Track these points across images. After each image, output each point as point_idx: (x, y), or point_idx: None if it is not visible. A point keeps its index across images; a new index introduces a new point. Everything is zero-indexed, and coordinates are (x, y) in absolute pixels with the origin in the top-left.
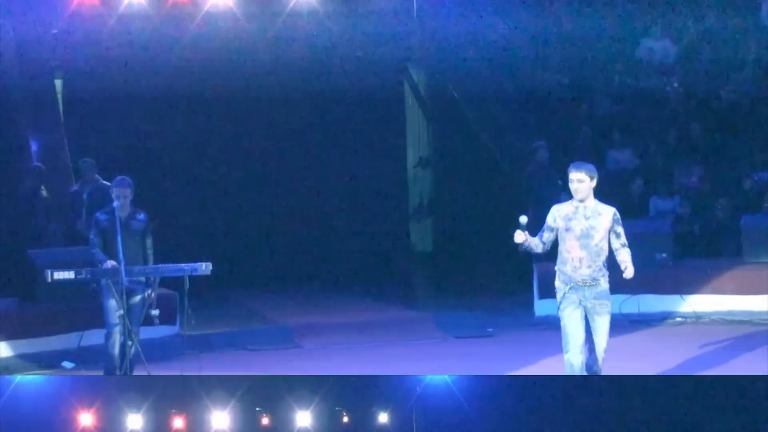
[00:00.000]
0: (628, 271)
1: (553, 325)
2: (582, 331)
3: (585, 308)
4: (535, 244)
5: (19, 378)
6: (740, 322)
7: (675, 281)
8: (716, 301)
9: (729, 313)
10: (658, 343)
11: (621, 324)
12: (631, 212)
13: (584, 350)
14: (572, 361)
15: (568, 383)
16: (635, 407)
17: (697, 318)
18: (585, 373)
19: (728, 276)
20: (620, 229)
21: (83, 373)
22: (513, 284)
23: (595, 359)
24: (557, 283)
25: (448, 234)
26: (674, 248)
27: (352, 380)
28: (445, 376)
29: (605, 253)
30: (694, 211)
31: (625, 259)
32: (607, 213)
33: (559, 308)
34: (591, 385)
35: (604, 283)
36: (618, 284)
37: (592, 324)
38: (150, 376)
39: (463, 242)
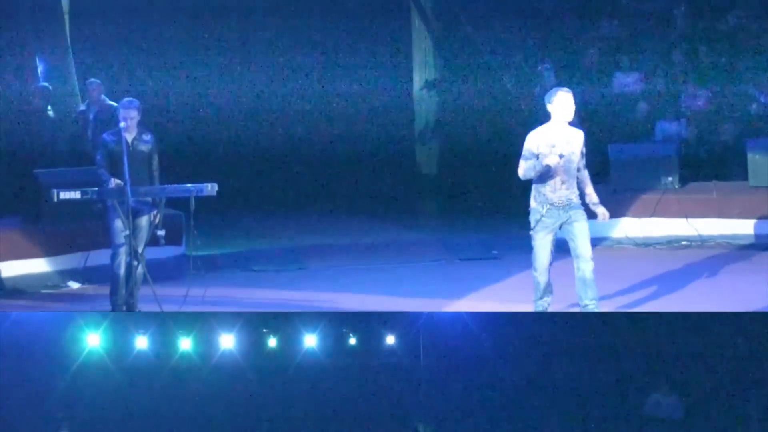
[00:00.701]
0: (603, 216)
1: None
2: (550, 254)
3: (561, 225)
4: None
5: (16, 314)
6: (745, 245)
7: (680, 205)
8: (721, 224)
9: (734, 236)
10: (662, 268)
11: (626, 248)
12: (637, 136)
13: (550, 270)
14: (539, 279)
15: (574, 319)
16: (640, 342)
17: (703, 242)
18: (551, 290)
19: (733, 200)
20: (584, 150)
21: (89, 291)
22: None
23: (585, 276)
24: (533, 203)
25: (454, 157)
26: (680, 172)
27: (360, 307)
28: (452, 312)
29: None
30: (700, 135)
31: (590, 193)
32: (580, 135)
33: (532, 229)
34: (597, 320)
35: (576, 200)
36: (623, 208)
37: (571, 233)
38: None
39: (468, 165)
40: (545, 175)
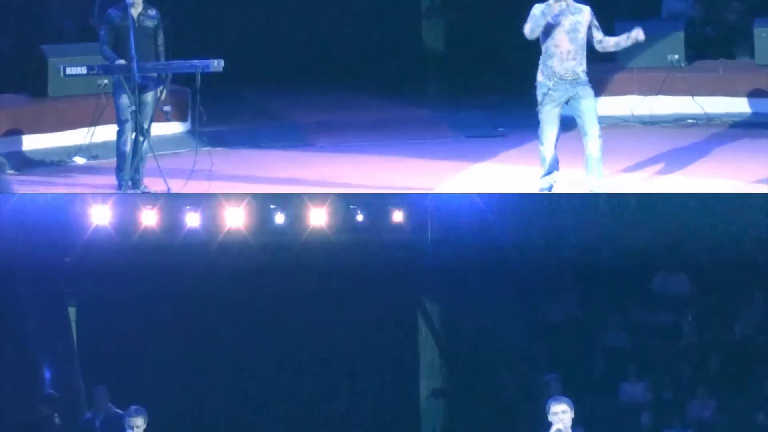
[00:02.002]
0: (637, 33)
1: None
2: (557, 129)
3: (568, 100)
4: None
5: (18, 195)
6: (752, 124)
7: (687, 83)
8: (727, 103)
9: (740, 114)
10: (669, 146)
11: (632, 126)
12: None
13: (557, 145)
14: (545, 153)
15: (581, 200)
16: (646, 222)
17: (709, 120)
18: (557, 166)
19: (740, 78)
20: (597, 23)
21: (95, 164)
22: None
23: (592, 153)
24: (540, 77)
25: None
26: (686, 50)
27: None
28: (460, 193)
29: (585, 49)
30: (707, 13)
31: (622, 37)
32: (586, 9)
33: (540, 103)
34: (600, 201)
35: (584, 75)
36: (629, 86)
37: (579, 110)
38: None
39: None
40: (549, 48)
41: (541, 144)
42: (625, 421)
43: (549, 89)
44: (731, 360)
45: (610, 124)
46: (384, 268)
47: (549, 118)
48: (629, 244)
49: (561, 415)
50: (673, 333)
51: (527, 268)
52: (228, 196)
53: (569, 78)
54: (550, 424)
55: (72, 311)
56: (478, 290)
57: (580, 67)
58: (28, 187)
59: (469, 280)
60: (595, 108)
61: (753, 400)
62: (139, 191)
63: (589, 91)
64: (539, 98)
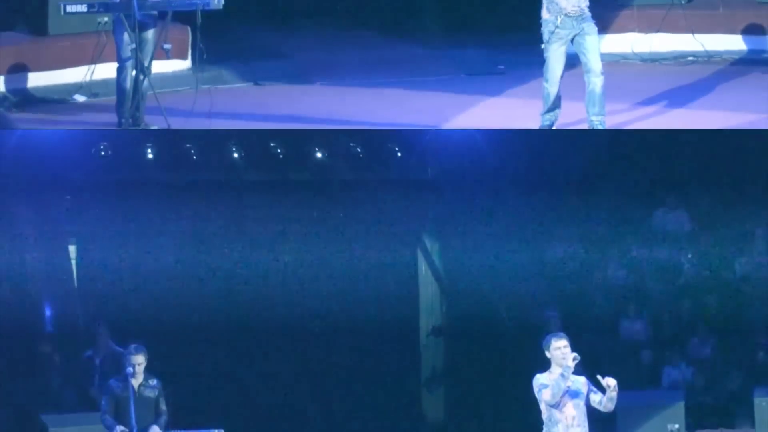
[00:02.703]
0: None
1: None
2: (562, 66)
3: (574, 37)
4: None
5: (21, 131)
6: (752, 60)
7: (687, 21)
8: (728, 40)
9: (740, 51)
10: (669, 84)
11: (632, 63)
12: None
13: (560, 82)
14: (550, 90)
15: (582, 136)
16: (646, 158)
17: (709, 57)
18: (559, 103)
19: (740, 14)
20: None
21: (95, 102)
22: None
23: (595, 89)
24: (546, 14)
25: None
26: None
27: (367, 123)
28: (460, 129)
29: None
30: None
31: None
32: (581, 381)
33: (546, 42)
34: (603, 137)
35: (588, 12)
36: (629, 22)
37: (583, 46)
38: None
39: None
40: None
41: (546, 81)
42: (624, 359)
43: (556, 27)
44: (731, 298)
45: (610, 62)
46: (383, 206)
47: (556, 56)
48: (629, 181)
49: (563, 350)
50: (672, 270)
51: (527, 206)
52: (228, 132)
53: (575, 14)
54: (548, 361)
55: (72, 249)
56: (478, 228)
57: (585, 2)
58: (29, 124)
59: (468, 218)
60: (598, 45)
61: (753, 337)
62: (139, 128)
63: (593, 27)
64: (546, 36)
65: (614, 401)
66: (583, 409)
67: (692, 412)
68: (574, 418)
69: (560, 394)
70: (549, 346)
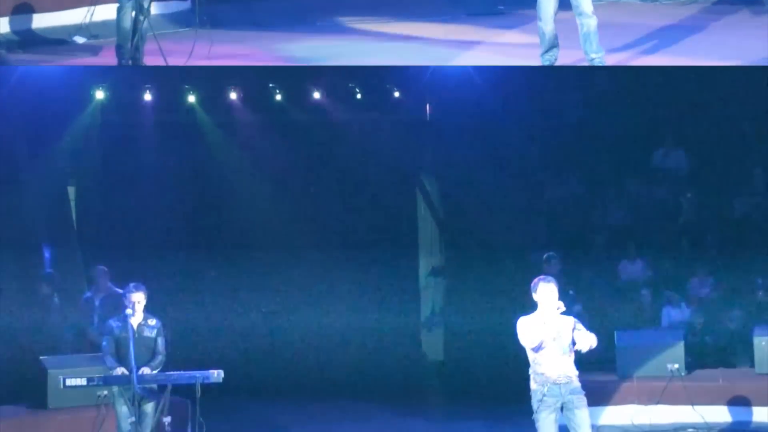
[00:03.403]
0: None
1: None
2: (554, 8)
3: (562, 406)
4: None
5: (23, 68)
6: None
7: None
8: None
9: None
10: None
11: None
12: None
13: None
14: (545, 29)
15: (577, 72)
16: (646, 97)
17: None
18: (557, 42)
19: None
20: (580, 326)
21: None
22: None
23: (588, 32)
24: (533, 385)
25: None
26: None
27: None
28: (459, 66)
29: (573, 354)
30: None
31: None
32: (569, 322)
33: (535, 410)
34: (602, 74)
35: (577, 381)
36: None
37: (573, 421)
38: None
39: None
40: (536, 359)
41: (540, 20)
42: (624, 299)
43: (544, 395)
44: (730, 237)
45: None
46: (383, 146)
47: (546, 424)
48: (629, 121)
49: (550, 295)
50: (672, 210)
51: (526, 145)
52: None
53: (562, 382)
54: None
55: (71, 190)
56: (477, 167)
57: (572, 370)
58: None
59: (467, 158)
60: (589, 419)
61: (751, 276)
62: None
63: (582, 400)
64: (535, 406)
65: (592, 337)
66: (568, 350)
67: (692, 352)
68: (556, 360)
69: (538, 341)
70: (536, 289)
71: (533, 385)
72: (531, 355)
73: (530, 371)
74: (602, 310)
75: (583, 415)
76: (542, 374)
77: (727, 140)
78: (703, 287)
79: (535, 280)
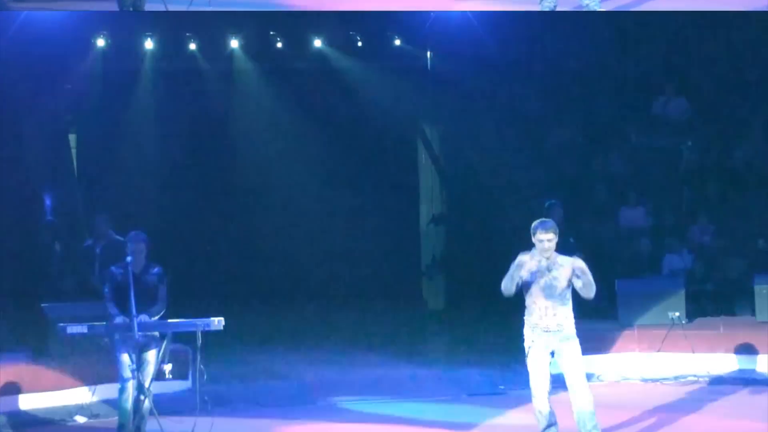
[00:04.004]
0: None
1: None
2: (547, 379)
3: (554, 354)
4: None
5: (25, 14)
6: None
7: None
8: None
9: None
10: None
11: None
12: None
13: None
14: (542, 410)
15: (578, 17)
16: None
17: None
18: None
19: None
20: (584, 267)
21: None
22: None
23: (582, 410)
24: (525, 330)
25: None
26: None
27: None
28: (459, 11)
29: (569, 300)
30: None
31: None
32: (568, 263)
33: (526, 353)
34: (601, 19)
35: (569, 329)
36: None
37: (565, 365)
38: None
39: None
40: (529, 305)
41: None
42: (625, 247)
43: (533, 340)
44: (731, 185)
45: (611, 381)
46: (384, 94)
47: (538, 366)
48: (630, 69)
49: (546, 243)
50: (673, 158)
51: (527, 92)
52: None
53: (553, 329)
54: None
55: (72, 138)
56: (478, 115)
57: (565, 318)
58: None
59: (468, 105)
60: (581, 361)
61: (752, 225)
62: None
63: (574, 345)
64: (526, 349)
65: (590, 288)
66: (563, 297)
67: (693, 300)
68: (547, 308)
69: (510, 289)
70: (535, 234)
71: (525, 330)
72: (526, 301)
73: (525, 316)
74: (603, 258)
75: (573, 361)
76: (533, 322)
77: (728, 87)
78: (704, 235)
79: (536, 223)
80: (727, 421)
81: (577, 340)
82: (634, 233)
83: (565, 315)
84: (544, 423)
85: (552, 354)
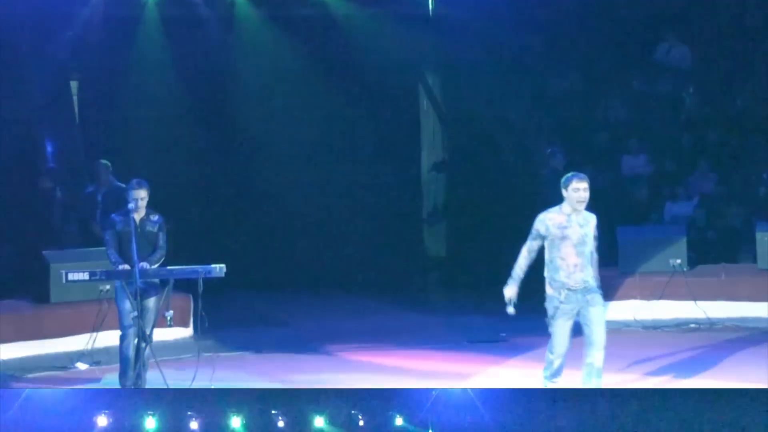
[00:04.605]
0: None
1: None
2: (569, 340)
3: (579, 310)
4: (523, 270)
5: (28, 390)
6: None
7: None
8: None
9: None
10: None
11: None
12: None
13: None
14: (555, 364)
15: (581, 395)
16: (646, 419)
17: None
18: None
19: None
20: (596, 234)
21: (97, 372)
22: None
23: (593, 365)
24: (549, 290)
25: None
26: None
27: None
28: (460, 388)
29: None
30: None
31: (596, 276)
32: (592, 218)
33: (550, 316)
34: (603, 397)
35: (593, 282)
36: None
37: (587, 317)
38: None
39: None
40: (555, 261)
41: (551, 352)
42: (626, 194)
43: (560, 302)
44: (732, 131)
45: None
46: (385, 40)
47: (561, 331)
48: (631, 15)
49: (582, 192)
50: (674, 105)
51: (528, 38)
52: (230, 402)
53: (579, 288)
54: (559, 198)
55: (74, 85)
56: (479, 62)
57: (590, 275)
58: None
59: (469, 52)
60: (604, 317)
61: (754, 171)
62: None
63: (598, 298)
64: (551, 311)
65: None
66: (588, 253)
67: (694, 247)
68: (576, 265)
69: (530, 258)
70: (569, 184)
71: (549, 290)
72: (548, 256)
73: (546, 273)
74: (604, 205)
75: (596, 312)
76: (559, 280)
77: (729, 35)
78: (705, 182)
79: (569, 174)
80: (727, 367)
81: (601, 294)
82: (636, 181)
83: (590, 274)
84: (552, 372)
85: (576, 314)
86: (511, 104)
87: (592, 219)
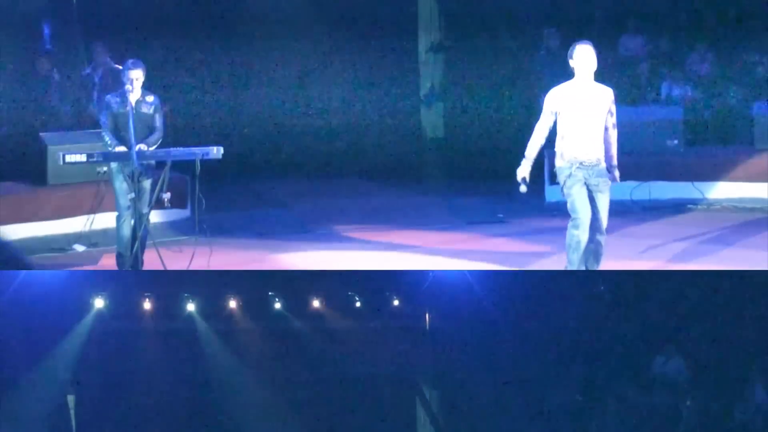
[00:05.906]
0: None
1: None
2: (589, 206)
3: (588, 186)
4: (537, 149)
5: (25, 272)
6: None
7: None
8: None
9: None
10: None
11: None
12: None
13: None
14: (581, 237)
15: (577, 276)
16: (640, 301)
17: (708, 205)
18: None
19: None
20: (614, 109)
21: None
22: None
23: (592, 248)
24: (559, 162)
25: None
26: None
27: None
28: (457, 270)
29: (605, 131)
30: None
31: (614, 154)
32: (608, 93)
33: (565, 186)
34: (599, 278)
35: (604, 163)
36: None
37: (592, 202)
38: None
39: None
40: (565, 133)
41: (576, 228)
42: (623, 74)
43: (571, 172)
44: (730, 11)
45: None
46: None
47: (580, 198)
48: None
49: (587, 56)
50: None
51: None
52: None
53: (591, 163)
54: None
55: None
56: None
57: (600, 151)
58: None
59: None
60: (608, 204)
61: (752, 52)
62: None
63: (606, 184)
64: (562, 181)
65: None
66: (600, 127)
67: (691, 128)
68: (589, 138)
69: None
70: (573, 54)
71: (559, 162)
72: (561, 131)
73: (557, 148)
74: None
75: (603, 200)
76: (571, 154)
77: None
78: (703, 63)
79: (573, 45)
80: (725, 248)
81: (609, 179)
82: (633, 61)
83: (603, 148)
84: (576, 258)
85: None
86: None
87: (607, 93)
